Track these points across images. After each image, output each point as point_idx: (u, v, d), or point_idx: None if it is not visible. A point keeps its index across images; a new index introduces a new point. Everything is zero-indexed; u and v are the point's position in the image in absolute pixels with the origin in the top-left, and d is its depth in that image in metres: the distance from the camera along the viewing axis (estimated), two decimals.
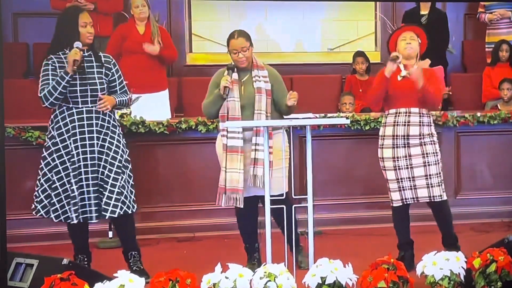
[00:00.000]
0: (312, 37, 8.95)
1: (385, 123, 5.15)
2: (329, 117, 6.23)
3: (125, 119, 6.11)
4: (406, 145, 5.05)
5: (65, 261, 4.27)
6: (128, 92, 5.03)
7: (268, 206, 4.51)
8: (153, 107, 6.72)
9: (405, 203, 5.09)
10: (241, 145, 4.92)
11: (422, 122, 5.05)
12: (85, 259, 5.00)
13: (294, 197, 4.75)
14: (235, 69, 5.02)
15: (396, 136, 5.07)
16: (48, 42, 7.93)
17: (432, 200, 5.06)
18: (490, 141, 6.81)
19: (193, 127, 6.30)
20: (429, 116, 5.10)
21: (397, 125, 5.07)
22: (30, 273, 4.32)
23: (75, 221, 4.82)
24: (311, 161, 4.60)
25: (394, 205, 5.12)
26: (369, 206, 6.58)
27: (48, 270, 4.17)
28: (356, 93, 7.75)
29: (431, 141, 5.06)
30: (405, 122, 5.05)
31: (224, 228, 6.22)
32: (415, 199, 5.08)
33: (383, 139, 5.13)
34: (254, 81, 5.01)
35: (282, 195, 4.77)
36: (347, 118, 5.95)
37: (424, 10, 7.87)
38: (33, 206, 4.92)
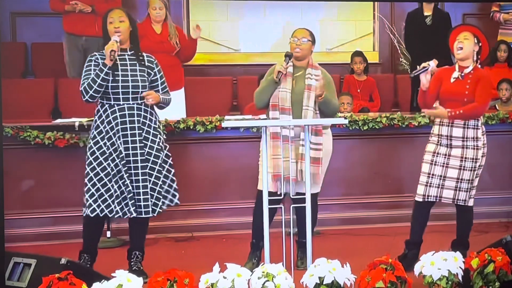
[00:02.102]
0: None
1: (434, 121, 5.19)
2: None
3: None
4: (448, 146, 5.06)
5: (63, 261, 4.26)
6: (169, 93, 5.06)
7: (266, 205, 4.51)
8: (171, 106, 6.70)
9: (425, 199, 5.10)
10: (292, 135, 4.97)
11: (467, 125, 5.03)
12: (89, 259, 4.98)
13: (292, 196, 4.75)
14: (290, 62, 5.10)
15: (441, 135, 5.09)
16: (46, 41, 8.00)
17: (456, 202, 5.08)
18: (488, 141, 6.77)
19: (191, 127, 6.30)
20: (477, 119, 5.08)
21: (442, 125, 5.08)
22: (28, 273, 4.32)
23: (134, 214, 4.86)
24: (309, 160, 4.60)
25: (416, 199, 5.13)
26: (367, 206, 6.58)
27: (46, 270, 4.16)
28: (354, 93, 7.76)
29: (474, 145, 5.05)
30: (449, 122, 5.05)
31: (222, 228, 6.23)
32: (438, 198, 5.09)
33: (431, 136, 5.16)
34: (306, 78, 5.10)
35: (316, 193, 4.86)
36: (345, 118, 5.95)
37: (428, 11, 7.86)
38: (85, 210, 4.91)
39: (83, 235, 5.02)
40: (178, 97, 7.07)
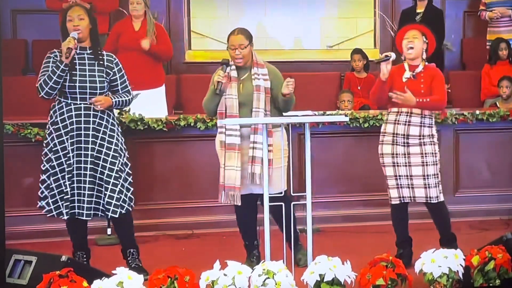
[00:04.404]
0: (311, 34, 8.95)
1: (387, 120, 5.14)
2: (328, 115, 6.23)
3: (124, 116, 6.11)
4: (405, 144, 5.05)
5: (63, 258, 4.27)
6: (131, 92, 5.02)
7: (267, 204, 4.51)
8: (149, 104, 6.71)
9: (402, 201, 5.09)
10: (238, 143, 4.92)
11: (423, 123, 5.04)
12: (84, 256, 5.01)
13: (292, 194, 4.75)
14: (233, 66, 5.02)
15: (396, 134, 5.07)
16: (46, 38, 8.00)
17: (429, 201, 5.06)
18: (488, 138, 6.82)
19: (192, 124, 6.29)
20: (431, 118, 5.08)
21: (398, 123, 5.07)
22: (29, 270, 4.33)
23: (65, 217, 4.84)
24: (310, 158, 4.60)
25: (392, 202, 5.13)
26: (367, 204, 6.58)
27: (46, 267, 4.17)
28: (355, 91, 7.75)
29: (430, 141, 5.06)
30: (405, 121, 5.04)
31: (223, 225, 6.21)
32: (412, 198, 5.08)
33: (384, 135, 5.13)
34: (253, 79, 5.00)
35: (281, 193, 4.78)
36: (346, 115, 5.95)
37: (420, 8, 7.88)
38: (39, 204, 4.92)
39: (69, 236, 5.04)
40: (158, 95, 7.07)
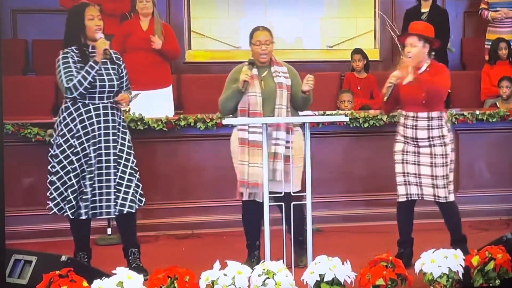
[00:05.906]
0: (312, 34, 8.94)
1: (399, 121, 5.18)
2: (328, 115, 6.23)
3: (124, 116, 6.10)
4: (416, 145, 5.06)
5: (63, 258, 4.27)
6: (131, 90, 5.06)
7: (267, 203, 4.51)
8: (157, 104, 6.71)
9: (409, 198, 5.09)
10: (261, 140, 4.92)
11: (431, 126, 5.03)
12: (85, 256, 5.00)
13: (293, 194, 4.75)
14: (255, 65, 5.03)
15: (406, 136, 5.08)
16: (47, 38, 8.01)
17: (437, 200, 5.06)
18: (488, 139, 6.82)
19: (192, 124, 6.30)
20: (440, 119, 5.06)
21: (406, 127, 5.08)
22: (29, 270, 4.33)
23: (88, 217, 4.84)
24: (310, 158, 4.60)
25: (399, 199, 5.12)
26: (368, 204, 6.58)
27: (46, 267, 4.17)
28: (355, 91, 7.75)
29: (441, 143, 5.04)
30: (412, 125, 5.05)
31: (223, 225, 6.22)
32: (420, 196, 5.07)
33: (397, 134, 5.15)
34: (274, 77, 5.04)
35: (300, 191, 4.77)
36: (346, 115, 5.95)
37: (425, 7, 7.87)
38: (48, 204, 4.90)
39: (72, 236, 5.04)
40: (165, 95, 7.07)
